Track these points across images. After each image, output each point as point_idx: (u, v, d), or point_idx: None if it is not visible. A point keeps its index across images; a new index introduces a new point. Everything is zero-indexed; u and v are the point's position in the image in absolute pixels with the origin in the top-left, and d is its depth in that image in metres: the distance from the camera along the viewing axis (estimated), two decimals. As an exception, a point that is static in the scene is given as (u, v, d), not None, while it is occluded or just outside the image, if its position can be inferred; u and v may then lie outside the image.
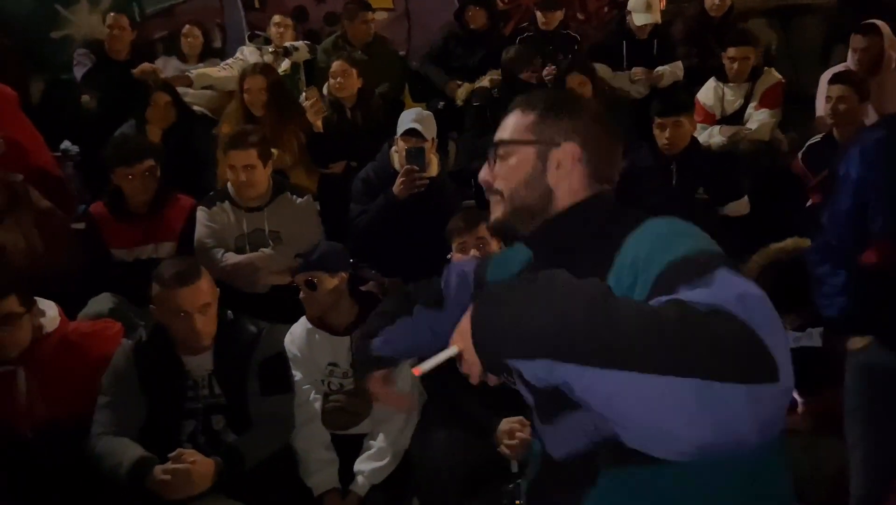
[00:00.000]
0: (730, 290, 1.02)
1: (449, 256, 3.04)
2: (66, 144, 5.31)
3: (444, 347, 1.18)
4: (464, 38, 5.54)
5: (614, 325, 0.97)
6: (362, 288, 3.12)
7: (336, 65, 4.72)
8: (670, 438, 0.97)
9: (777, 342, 0.97)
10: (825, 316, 2.32)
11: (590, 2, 6.48)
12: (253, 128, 3.86)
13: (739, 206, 3.94)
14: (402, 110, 4.22)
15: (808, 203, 3.84)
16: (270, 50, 5.43)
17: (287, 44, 5.43)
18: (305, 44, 5.57)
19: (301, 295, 2.89)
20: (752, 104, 4.74)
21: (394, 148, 3.81)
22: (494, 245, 3.01)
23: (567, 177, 1.34)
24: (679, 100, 4.16)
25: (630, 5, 5.36)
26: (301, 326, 2.95)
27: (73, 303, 3.27)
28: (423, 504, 2.82)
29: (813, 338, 2.76)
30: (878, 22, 4.62)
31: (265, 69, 4.54)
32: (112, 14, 5.36)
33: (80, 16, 6.31)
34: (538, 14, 5.54)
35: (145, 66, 5.06)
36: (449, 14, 5.85)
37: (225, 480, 2.53)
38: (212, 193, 3.78)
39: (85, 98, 5.16)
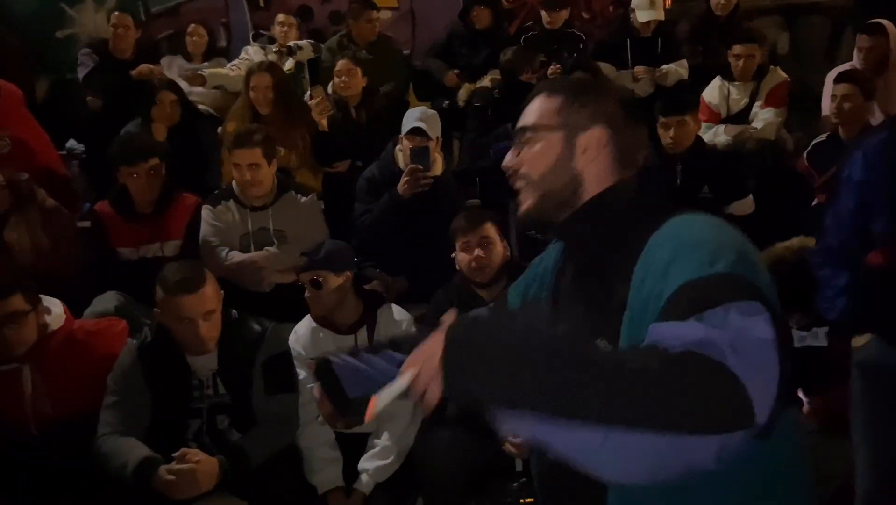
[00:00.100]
0: (726, 330, 1.01)
1: (452, 256, 3.04)
2: (71, 143, 5.33)
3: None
4: (468, 38, 5.54)
5: (587, 382, 0.97)
6: (366, 287, 3.11)
7: (341, 64, 4.73)
8: (631, 477, 1.02)
9: (760, 385, 0.98)
10: (826, 319, 2.32)
11: (595, 1, 6.47)
12: (258, 127, 3.86)
13: (744, 206, 3.93)
14: (406, 109, 4.22)
15: (814, 202, 3.84)
16: (274, 49, 5.42)
17: (291, 43, 5.42)
18: (309, 43, 5.56)
19: (306, 294, 2.90)
20: (758, 103, 4.72)
21: (398, 147, 3.81)
22: (499, 245, 3.01)
23: (594, 161, 1.32)
24: (683, 99, 4.15)
25: (634, 3, 5.35)
26: (306, 325, 2.96)
27: (79, 301, 3.28)
28: (427, 503, 2.82)
29: (818, 337, 2.76)
30: (885, 21, 4.61)
31: (271, 67, 4.55)
32: (116, 13, 5.35)
33: (86, 15, 6.32)
34: (543, 13, 5.53)
35: (143, 68, 5.02)
36: (453, 13, 5.84)
37: (229, 480, 2.54)
38: (217, 192, 3.79)
39: (90, 97, 5.17)
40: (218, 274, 3.01)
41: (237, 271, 3.53)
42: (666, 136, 3.84)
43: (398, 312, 2.98)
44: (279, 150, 3.93)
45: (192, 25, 5.57)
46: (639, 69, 5.21)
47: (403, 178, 3.65)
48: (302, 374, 2.84)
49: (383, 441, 2.80)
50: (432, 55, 5.63)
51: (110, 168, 3.71)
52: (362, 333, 2.91)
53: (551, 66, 4.96)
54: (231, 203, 3.67)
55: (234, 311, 2.77)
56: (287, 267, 3.47)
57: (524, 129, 1.37)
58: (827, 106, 4.34)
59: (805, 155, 4.18)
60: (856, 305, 2.17)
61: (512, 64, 4.82)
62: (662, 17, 5.35)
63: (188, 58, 5.49)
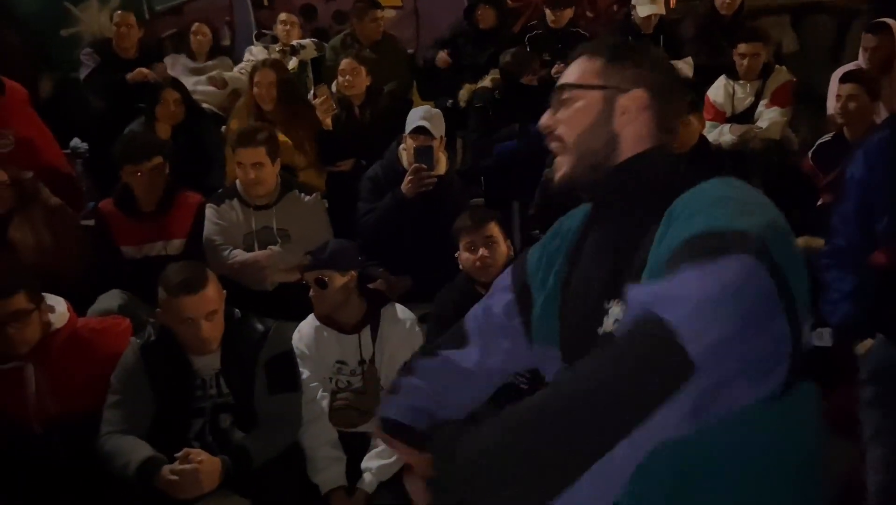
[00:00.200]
0: (692, 284, 0.99)
1: (456, 255, 3.03)
2: (75, 142, 5.34)
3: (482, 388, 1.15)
4: (473, 36, 5.53)
5: (557, 443, 0.97)
6: (370, 286, 3.11)
7: (345, 63, 4.73)
8: (618, 487, 1.00)
9: (697, 325, 0.96)
10: (829, 322, 2.31)
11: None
12: (261, 125, 3.86)
13: (749, 206, 3.91)
14: (410, 108, 4.21)
15: (819, 202, 3.82)
16: (277, 48, 5.43)
17: (294, 42, 5.43)
18: (312, 41, 5.56)
19: (311, 293, 2.89)
20: (763, 102, 4.70)
21: (402, 146, 3.80)
22: (502, 245, 3.00)
23: (633, 123, 1.30)
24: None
25: (634, -1, 5.34)
26: (309, 324, 2.95)
27: (82, 299, 3.28)
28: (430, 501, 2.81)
29: (823, 338, 2.75)
30: (890, 21, 4.59)
31: (275, 64, 4.54)
32: (119, 12, 5.33)
33: (90, 13, 6.33)
34: (548, 12, 5.52)
35: (137, 73, 4.95)
36: (458, 12, 5.83)
37: (232, 479, 2.53)
38: (220, 191, 3.79)
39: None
40: (221, 273, 3.01)
41: (240, 270, 3.52)
42: (670, 136, 3.82)
43: (402, 311, 2.98)
44: (286, 140, 3.89)
45: (196, 24, 5.57)
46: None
47: (407, 178, 3.64)
48: (305, 373, 2.84)
49: (386, 440, 2.79)
50: (435, 47, 5.60)
51: (114, 167, 3.70)
52: (366, 333, 2.91)
53: (555, 66, 4.95)
54: (235, 202, 3.66)
55: (237, 310, 2.77)
56: (290, 266, 3.47)
57: (563, 87, 1.36)
58: (832, 105, 4.32)
59: (810, 155, 4.16)
60: (859, 311, 2.16)
61: (512, 66, 4.78)
62: (663, 11, 5.31)
63: (192, 57, 5.49)
